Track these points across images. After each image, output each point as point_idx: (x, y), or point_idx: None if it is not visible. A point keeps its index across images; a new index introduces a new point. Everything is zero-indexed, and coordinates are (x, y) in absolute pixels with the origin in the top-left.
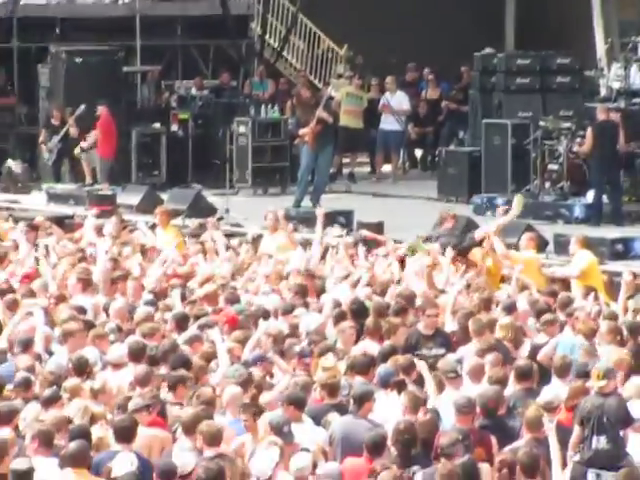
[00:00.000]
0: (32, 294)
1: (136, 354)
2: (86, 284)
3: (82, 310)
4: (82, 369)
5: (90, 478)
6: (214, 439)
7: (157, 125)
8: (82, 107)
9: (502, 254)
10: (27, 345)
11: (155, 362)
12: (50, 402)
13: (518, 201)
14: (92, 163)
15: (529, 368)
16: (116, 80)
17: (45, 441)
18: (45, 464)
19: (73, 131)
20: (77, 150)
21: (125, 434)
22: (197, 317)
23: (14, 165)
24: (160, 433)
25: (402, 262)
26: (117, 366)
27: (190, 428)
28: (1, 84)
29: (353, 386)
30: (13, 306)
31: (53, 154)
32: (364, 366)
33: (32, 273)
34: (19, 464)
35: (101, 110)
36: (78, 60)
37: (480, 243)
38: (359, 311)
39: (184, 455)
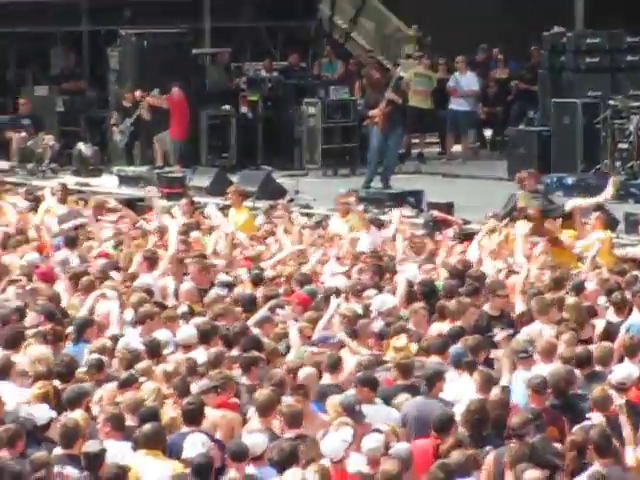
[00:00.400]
0: (105, 275)
1: (206, 336)
2: (151, 263)
3: (150, 292)
4: (155, 351)
5: (164, 459)
6: (295, 420)
7: (227, 107)
8: (156, 91)
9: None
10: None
11: (228, 344)
12: (127, 385)
13: (614, 183)
14: (163, 145)
15: (586, 354)
16: (185, 63)
17: (117, 424)
18: (117, 446)
19: (145, 114)
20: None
21: (192, 416)
22: (268, 298)
23: (85, 148)
24: (228, 414)
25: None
26: (187, 348)
27: (265, 409)
28: (71, 68)
29: (424, 366)
30: (89, 288)
31: (125, 136)
32: (440, 347)
33: (104, 253)
34: (91, 446)
35: (174, 92)
36: (148, 43)
37: (567, 216)
38: (429, 292)
39: (255, 437)
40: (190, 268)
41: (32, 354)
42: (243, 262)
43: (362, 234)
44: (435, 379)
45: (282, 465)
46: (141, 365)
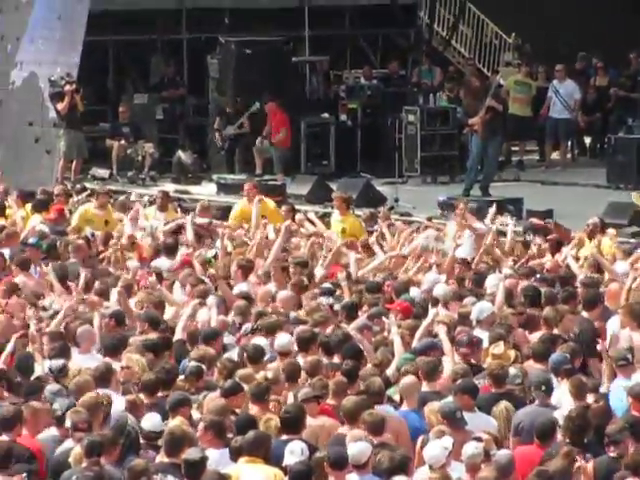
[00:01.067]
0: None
1: (305, 343)
2: (246, 272)
3: (249, 299)
4: (257, 358)
5: (265, 467)
6: (377, 428)
7: (326, 115)
8: (257, 104)
9: None
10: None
11: (328, 352)
12: (231, 393)
13: None
14: (264, 154)
15: None
16: (285, 70)
17: (218, 431)
18: (217, 454)
19: (246, 125)
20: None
21: (293, 424)
22: (369, 306)
23: (184, 156)
24: (327, 422)
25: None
26: (285, 355)
27: (353, 416)
28: (171, 76)
29: (528, 374)
30: (204, 295)
31: (226, 143)
32: (541, 354)
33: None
34: (192, 454)
35: (269, 107)
36: (247, 51)
37: None
38: (533, 298)
39: (359, 445)
40: (290, 274)
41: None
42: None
43: (463, 240)
44: (549, 387)
45: (390, 474)
46: (242, 372)
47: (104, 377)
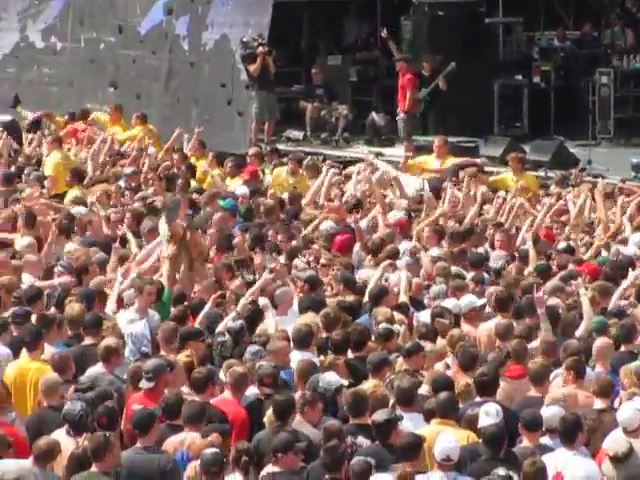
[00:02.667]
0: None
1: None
2: (439, 236)
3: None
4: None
5: (458, 429)
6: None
7: (519, 77)
8: (452, 65)
9: None
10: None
11: (518, 315)
12: (413, 353)
13: None
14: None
15: None
16: (478, 32)
17: (407, 398)
18: (408, 417)
19: (442, 84)
20: None
21: (486, 386)
22: (559, 268)
23: (378, 118)
24: (521, 384)
25: None
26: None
27: (540, 378)
28: (364, 37)
29: None
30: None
31: (421, 105)
32: None
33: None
34: (381, 415)
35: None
36: (440, 12)
37: None
38: None
39: (552, 409)
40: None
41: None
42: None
43: None
44: None
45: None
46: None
47: (303, 340)
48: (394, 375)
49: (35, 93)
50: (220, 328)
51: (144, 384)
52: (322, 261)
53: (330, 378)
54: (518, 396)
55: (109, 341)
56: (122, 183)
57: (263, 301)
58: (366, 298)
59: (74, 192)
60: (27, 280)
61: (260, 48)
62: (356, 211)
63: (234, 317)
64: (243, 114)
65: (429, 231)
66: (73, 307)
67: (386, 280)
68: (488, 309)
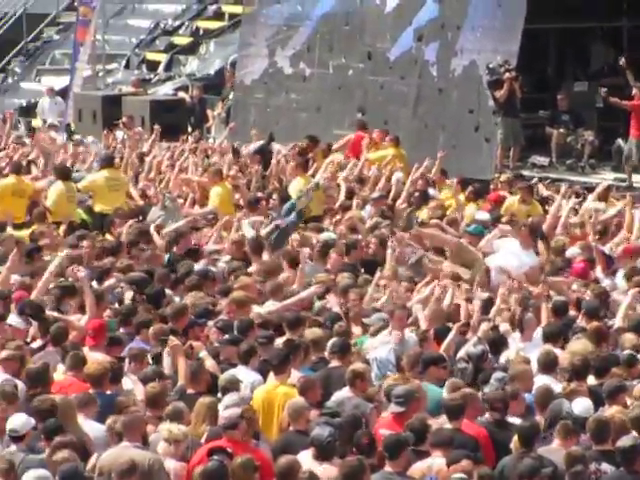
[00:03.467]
0: None
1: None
2: None
3: None
4: None
5: None
6: None
7: None
8: None
9: None
10: None
11: None
12: None
13: None
14: None
15: None
16: None
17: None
18: None
19: None
20: None
21: None
22: None
23: (624, 144)
24: None
25: None
26: None
27: None
28: (611, 63)
29: None
30: None
31: None
32: None
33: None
34: (625, 441)
35: None
36: None
37: None
38: None
39: None
40: None
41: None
42: None
43: None
44: None
45: None
46: None
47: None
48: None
49: (283, 119)
50: (461, 354)
51: (394, 408)
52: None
53: (577, 406)
54: None
55: (356, 365)
56: (367, 208)
57: (505, 327)
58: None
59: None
60: None
61: (507, 74)
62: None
63: (475, 342)
64: (490, 140)
65: None
66: (315, 331)
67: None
68: None
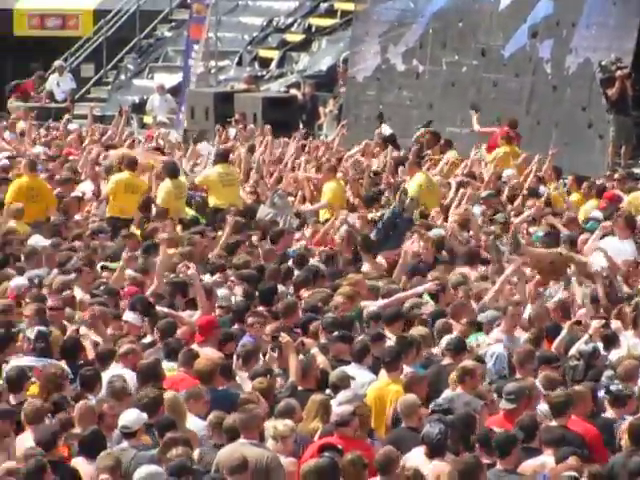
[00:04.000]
0: None
1: None
2: None
3: None
4: None
5: None
6: None
7: None
8: None
9: None
10: None
11: None
12: None
13: None
14: None
15: None
16: None
17: None
18: None
19: None
20: None
21: None
22: None
23: None
24: None
25: None
26: None
27: None
28: None
29: None
30: None
31: None
32: None
33: None
34: None
35: None
36: None
37: None
38: None
39: None
40: None
41: None
42: None
43: None
44: None
45: None
46: None
47: None
48: None
49: (395, 116)
50: (572, 352)
51: (504, 405)
52: None
53: None
54: None
55: (466, 362)
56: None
57: (616, 324)
58: None
59: None
60: None
61: (619, 72)
62: None
63: (586, 340)
64: (603, 137)
65: None
66: (420, 329)
67: None
68: None
